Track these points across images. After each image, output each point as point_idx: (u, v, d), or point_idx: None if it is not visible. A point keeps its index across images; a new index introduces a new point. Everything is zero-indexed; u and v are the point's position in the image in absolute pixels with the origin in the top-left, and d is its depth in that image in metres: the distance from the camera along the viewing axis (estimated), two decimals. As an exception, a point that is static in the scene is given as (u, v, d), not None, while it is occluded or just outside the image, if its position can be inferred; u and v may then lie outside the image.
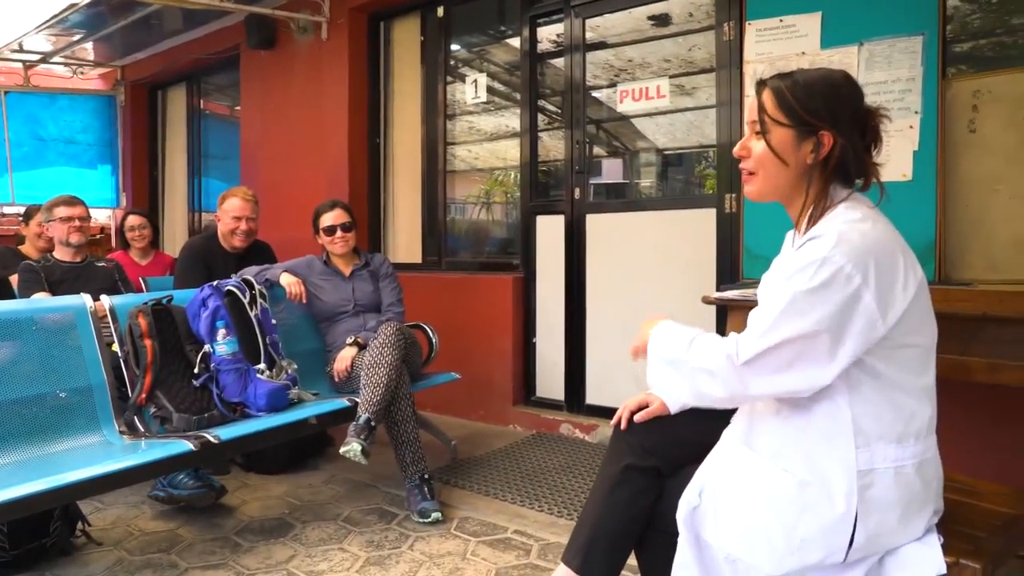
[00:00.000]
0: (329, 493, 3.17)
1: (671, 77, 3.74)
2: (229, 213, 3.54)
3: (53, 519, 2.58)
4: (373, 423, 2.74)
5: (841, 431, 1.29)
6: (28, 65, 6.59)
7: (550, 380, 4.06)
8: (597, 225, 3.91)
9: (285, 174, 5.23)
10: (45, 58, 6.53)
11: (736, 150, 1.46)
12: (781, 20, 3.13)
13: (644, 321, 1.55)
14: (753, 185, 1.44)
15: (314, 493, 3.17)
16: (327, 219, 3.42)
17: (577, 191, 3.98)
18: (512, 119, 4.44)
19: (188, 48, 6.20)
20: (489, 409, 4.17)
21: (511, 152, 4.47)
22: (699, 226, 3.53)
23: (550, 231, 4.06)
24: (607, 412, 3.79)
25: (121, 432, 2.68)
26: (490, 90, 4.50)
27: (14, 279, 3.47)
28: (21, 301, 3.11)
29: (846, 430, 1.29)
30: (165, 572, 2.47)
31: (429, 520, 2.78)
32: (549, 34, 4.21)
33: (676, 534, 1.46)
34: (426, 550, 2.59)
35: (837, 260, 1.23)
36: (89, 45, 6.44)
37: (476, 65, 4.64)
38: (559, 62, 4.16)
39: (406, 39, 4.91)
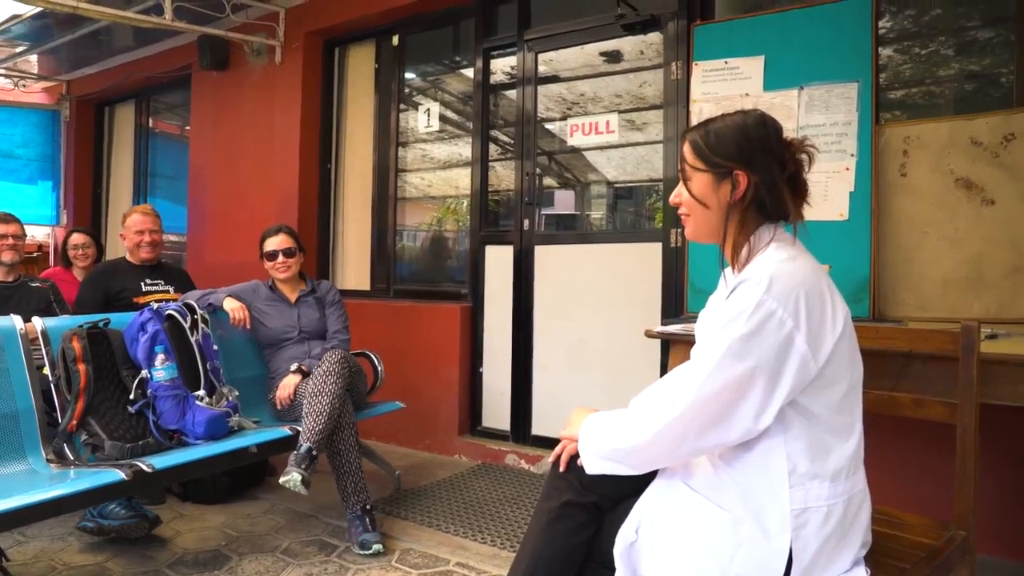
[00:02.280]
0: (268, 524, 3.09)
1: (621, 112, 3.82)
2: (132, 228, 3.65)
3: (-31, 553, 2.47)
4: (315, 452, 2.70)
5: (776, 471, 1.33)
6: (-34, 76, 6.41)
7: (496, 410, 4.05)
8: (546, 256, 3.94)
9: (235, 197, 5.15)
10: (-15, 70, 6.35)
11: (672, 198, 1.56)
12: (726, 62, 3.23)
13: (575, 410, 1.65)
14: (688, 227, 1.53)
15: (253, 524, 3.09)
16: (270, 244, 3.39)
17: (526, 222, 4.01)
18: (465, 148, 4.48)
19: (138, 65, 6.09)
20: (435, 439, 4.14)
21: (463, 180, 4.49)
22: (646, 259, 3.60)
23: (499, 261, 4.09)
24: (552, 443, 3.74)
25: (49, 460, 2.59)
26: (443, 119, 4.53)
27: None
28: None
29: (781, 470, 1.32)
30: (90, 607, 2.38)
31: (370, 552, 2.73)
32: (503, 66, 4.27)
33: (614, 569, 1.47)
34: (366, 582, 2.55)
35: (769, 305, 1.28)
36: (33, 58, 6.29)
37: (430, 94, 4.67)
38: (512, 94, 4.21)
39: (360, 66, 4.92)
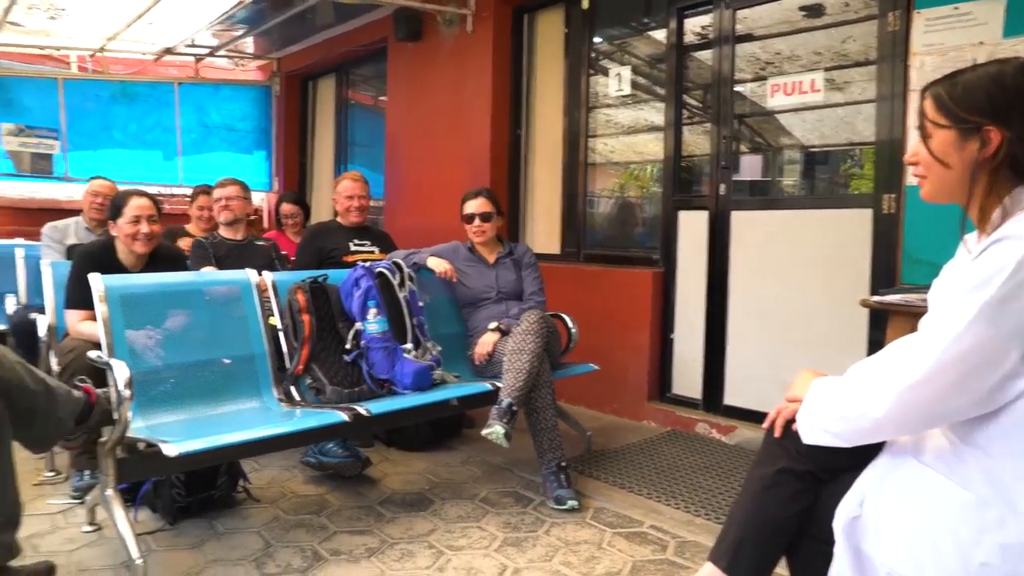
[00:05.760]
0: (466, 473, 3.24)
1: (826, 70, 3.56)
2: (343, 194, 3.88)
3: (220, 474, 2.78)
4: (515, 408, 2.78)
5: None
6: (198, 59, 7.13)
7: (687, 378, 3.98)
8: (742, 222, 3.79)
9: (428, 163, 5.38)
10: (212, 52, 7.01)
11: (907, 156, 1.45)
12: (956, 8, 2.92)
13: (801, 372, 1.58)
14: (924, 187, 1.42)
15: (452, 472, 3.26)
16: (469, 207, 3.50)
17: (722, 187, 3.87)
18: (650, 113, 4.38)
19: (339, 41, 6.48)
20: (623, 403, 4.14)
21: (648, 146, 4.41)
22: (851, 227, 3.36)
23: (692, 227, 3.98)
24: (746, 414, 3.68)
25: (279, 399, 2.85)
26: (632, 83, 4.45)
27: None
28: (194, 273, 3.36)
29: None
30: (316, 533, 2.61)
31: (565, 507, 2.79)
32: (694, 26, 4.12)
33: (831, 543, 1.40)
34: (562, 536, 2.60)
35: None
36: (249, 39, 6.87)
37: (616, 58, 4.60)
38: (703, 55, 4.05)
39: (550, 31, 4.93)
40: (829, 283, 3.41)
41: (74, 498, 2.84)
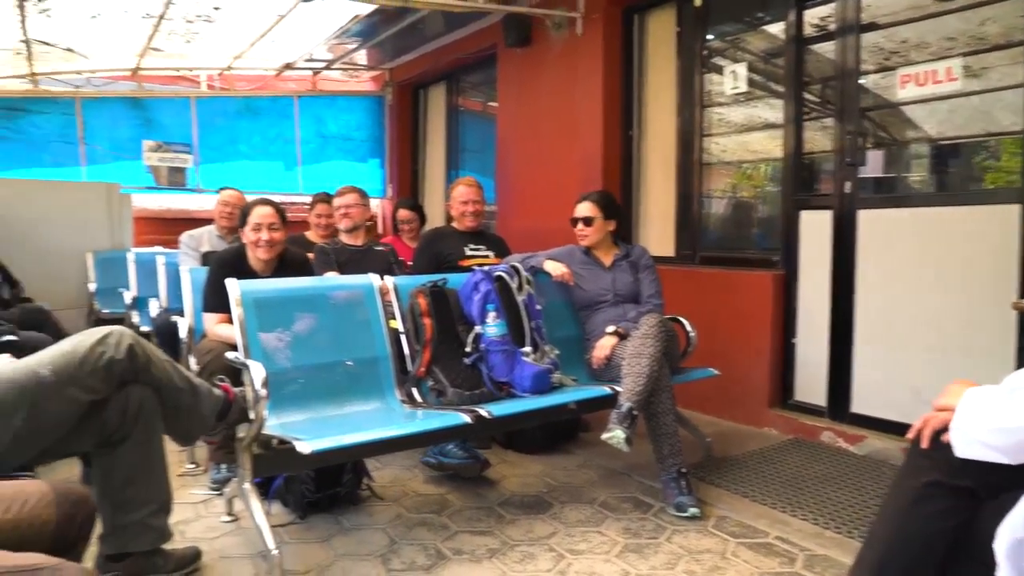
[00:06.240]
0: (584, 477, 3.24)
1: (963, 56, 3.34)
2: (457, 199, 3.98)
3: (345, 471, 2.88)
4: (635, 412, 2.75)
5: None
6: (315, 72, 7.46)
7: (810, 384, 3.82)
8: (870, 221, 3.60)
9: (539, 167, 5.41)
10: (328, 65, 7.32)
11: None
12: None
13: (953, 382, 1.51)
14: None
15: (569, 475, 3.26)
16: (577, 210, 3.51)
17: (847, 185, 3.70)
18: (764, 110, 4.23)
19: (448, 49, 6.63)
20: (742, 409, 4.02)
21: (763, 144, 4.26)
22: (993, 224, 3.13)
23: (815, 227, 3.81)
24: (876, 423, 3.50)
25: (401, 401, 2.93)
26: (748, 80, 4.32)
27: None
28: (319, 279, 3.49)
29: None
30: (438, 532, 2.66)
31: (686, 515, 2.74)
32: (812, 18, 3.95)
33: (992, 565, 1.31)
34: (684, 544, 2.56)
35: None
36: (363, 52, 7.13)
37: (730, 55, 4.48)
38: (825, 47, 3.89)
39: (660, 31, 4.86)
40: (967, 284, 3.19)
41: (213, 490, 3.02)
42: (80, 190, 6.36)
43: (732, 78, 4.36)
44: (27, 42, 5.62)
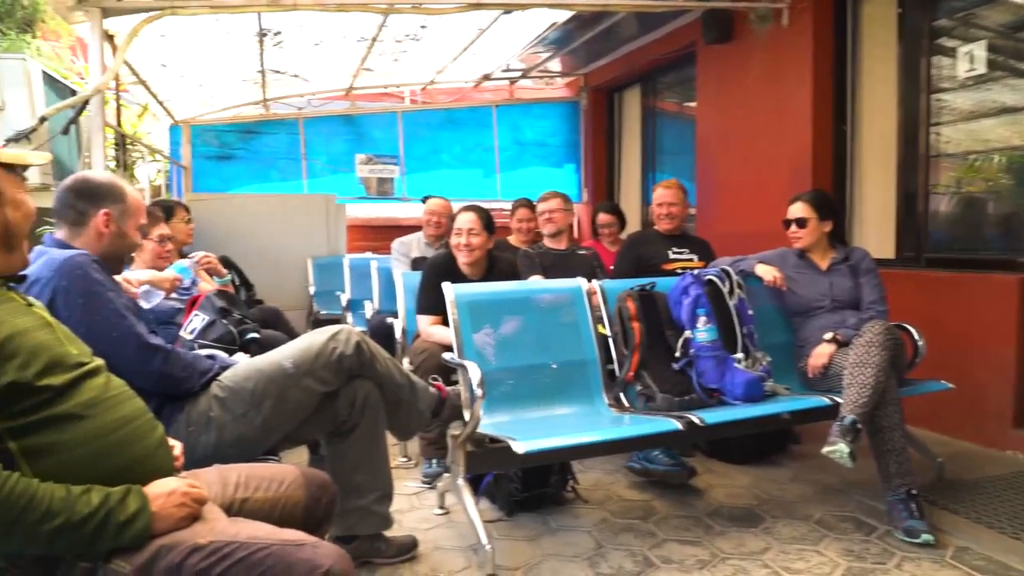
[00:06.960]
0: (796, 491, 3.08)
1: None
2: (656, 202, 3.98)
3: (552, 472, 2.94)
4: (859, 425, 2.57)
5: None
6: (511, 81, 7.71)
7: (1066, 404, 3.38)
8: None
9: (742, 166, 5.22)
10: (524, 73, 7.53)
11: None
12: None
13: None
14: None
15: (780, 489, 3.11)
16: (790, 211, 3.34)
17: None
18: (1002, 93, 3.77)
19: (643, 51, 6.58)
20: (979, 428, 3.62)
21: (994, 132, 3.80)
22: None
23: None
24: None
25: (609, 405, 2.94)
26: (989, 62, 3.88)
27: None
28: (528, 282, 3.58)
29: None
30: (645, 538, 2.64)
31: (918, 541, 2.51)
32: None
33: None
34: (917, 574, 2.35)
35: None
36: (556, 59, 7.26)
37: (960, 33, 4.04)
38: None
39: (879, 13, 4.51)
40: None
41: (425, 483, 3.20)
42: (302, 201, 7.03)
43: (967, 60, 3.94)
44: (263, 72, 6.29)
